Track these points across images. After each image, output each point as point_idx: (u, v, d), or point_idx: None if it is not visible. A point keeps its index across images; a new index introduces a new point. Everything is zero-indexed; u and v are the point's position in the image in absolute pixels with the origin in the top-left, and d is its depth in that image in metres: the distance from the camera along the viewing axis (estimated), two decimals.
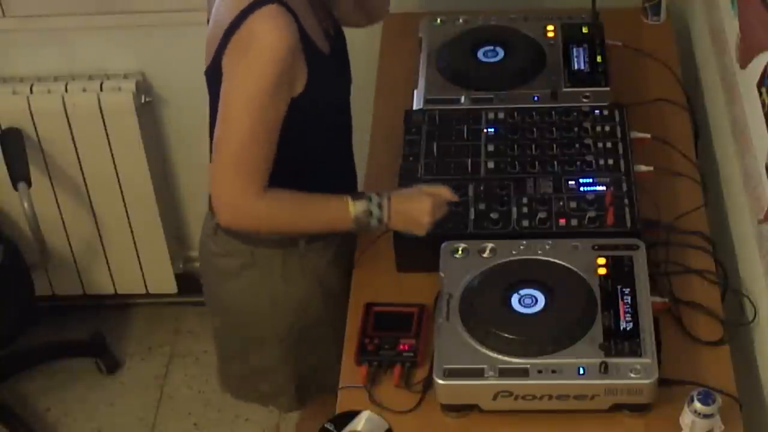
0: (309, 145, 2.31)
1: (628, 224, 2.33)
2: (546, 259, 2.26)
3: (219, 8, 2.20)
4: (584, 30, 2.80)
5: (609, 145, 2.50)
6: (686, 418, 2.02)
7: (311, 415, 2.74)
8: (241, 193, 2.21)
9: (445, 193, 2.34)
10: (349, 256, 2.48)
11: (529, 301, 2.17)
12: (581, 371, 2.05)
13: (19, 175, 3.19)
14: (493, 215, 2.36)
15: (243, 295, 2.47)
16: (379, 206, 2.29)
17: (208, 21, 2.31)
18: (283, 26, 2.12)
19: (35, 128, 3.29)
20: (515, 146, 2.52)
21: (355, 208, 2.28)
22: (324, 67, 2.25)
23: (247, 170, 2.19)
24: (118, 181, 3.39)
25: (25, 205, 3.18)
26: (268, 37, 2.11)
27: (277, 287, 2.44)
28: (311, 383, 2.59)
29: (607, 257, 2.24)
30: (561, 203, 2.38)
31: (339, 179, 2.45)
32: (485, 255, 2.28)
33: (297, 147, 2.27)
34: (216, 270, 2.49)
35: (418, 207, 2.31)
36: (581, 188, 2.41)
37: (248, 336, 2.53)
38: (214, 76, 2.21)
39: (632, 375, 2.03)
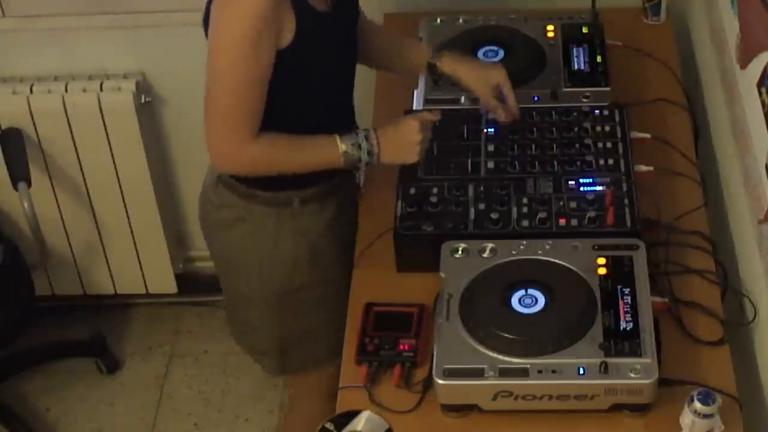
0: (300, 100, 2.33)
1: (628, 224, 2.33)
2: (546, 259, 2.26)
3: None
4: (584, 30, 2.80)
5: (609, 145, 2.50)
6: (686, 418, 2.02)
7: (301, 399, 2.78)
8: (233, 141, 2.28)
9: (426, 115, 2.40)
10: (345, 226, 2.51)
11: (529, 301, 2.17)
12: (581, 371, 2.05)
13: (19, 175, 3.19)
14: (493, 215, 2.36)
15: (233, 248, 2.51)
16: (366, 137, 2.34)
17: None
18: None
19: (35, 128, 3.29)
20: (515, 146, 2.52)
21: (342, 141, 2.33)
22: (316, 23, 2.27)
23: (236, 119, 2.26)
24: (118, 181, 3.39)
25: (25, 205, 3.18)
26: None
27: (266, 246, 2.46)
28: (293, 350, 2.61)
29: (607, 257, 2.24)
30: (561, 203, 2.38)
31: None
32: (485, 255, 2.28)
33: (286, 100, 2.29)
34: (211, 220, 2.54)
35: (404, 129, 2.36)
36: (581, 188, 2.41)
37: (238, 290, 2.57)
38: (205, 29, 2.28)
39: (632, 375, 2.03)
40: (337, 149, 2.33)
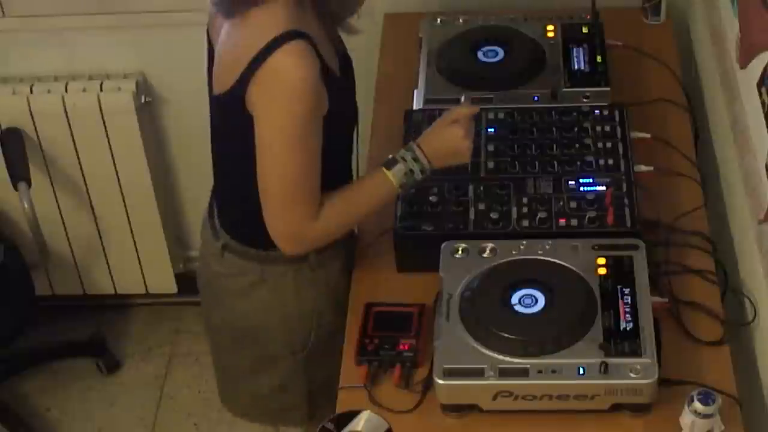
0: (327, 159, 2.28)
1: (628, 224, 2.33)
2: (546, 259, 2.26)
3: (235, 35, 2.20)
4: (584, 30, 2.80)
5: (609, 145, 2.50)
6: (686, 418, 2.01)
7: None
8: (301, 223, 2.25)
9: (464, 111, 2.33)
10: (352, 262, 2.48)
11: (529, 301, 2.17)
12: (581, 371, 2.05)
13: (19, 175, 3.19)
14: (493, 215, 2.36)
15: (254, 314, 2.46)
16: (415, 159, 2.29)
17: (207, 29, 2.33)
18: (307, 60, 2.13)
19: (35, 128, 3.29)
20: (515, 146, 2.52)
21: (395, 176, 2.29)
22: (339, 89, 2.27)
23: (302, 201, 2.23)
24: (118, 181, 3.39)
25: (25, 205, 3.18)
26: (296, 74, 2.12)
27: (289, 303, 2.43)
28: (322, 395, 2.56)
29: (607, 257, 2.24)
30: (561, 203, 2.38)
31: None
32: (485, 255, 2.28)
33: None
34: (222, 290, 2.48)
35: (451, 139, 2.31)
36: (581, 188, 2.41)
37: (259, 354, 2.51)
38: (232, 102, 2.20)
39: (632, 375, 2.03)
40: (392, 184, 2.29)
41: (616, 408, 2.08)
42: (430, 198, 2.42)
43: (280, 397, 2.58)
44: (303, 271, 2.41)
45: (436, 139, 2.32)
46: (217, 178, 2.44)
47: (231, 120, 2.25)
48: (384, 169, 2.30)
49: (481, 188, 2.43)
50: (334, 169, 2.33)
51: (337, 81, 2.26)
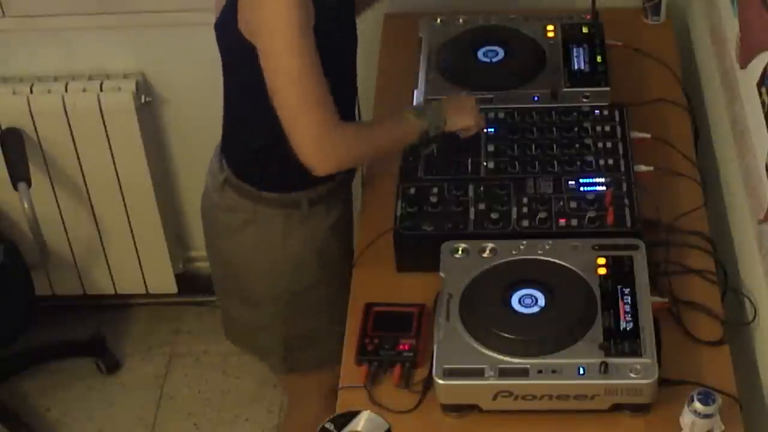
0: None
1: (628, 224, 2.33)
2: (546, 259, 2.26)
3: None
4: (584, 30, 2.80)
5: (609, 145, 2.50)
6: (686, 418, 2.02)
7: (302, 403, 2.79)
8: (323, 127, 2.24)
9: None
10: (347, 224, 2.53)
11: (529, 301, 2.17)
12: (581, 371, 2.05)
13: (19, 175, 3.19)
14: (493, 215, 2.36)
15: (242, 252, 2.52)
16: (436, 113, 2.40)
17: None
18: None
19: (35, 128, 3.29)
20: (515, 146, 2.52)
21: (418, 119, 2.38)
22: (330, 16, 2.28)
23: (318, 103, 2.22)
24: (118, 181, 3.39)
25: (25, 205, 3.18)
26: None
27: (275, 248, 2.48)
28: (300, 349, 2.62)
29: (607, 257, 2.24)
30: (561, 203, 2.38)
31: None
32: (485, 255, 2.28)
33: None
34: (219, 224, 2.54)
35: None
36: (581, 188, 2.41)
37: (245, 293, 2.58)
38: (226, 26, 2.26)
39: (632, 375, 2.03)
40: (414, 126, 2.36)
41: (616, 408, 2.08)
42: (430, 198, 2.42)
43: (260, 336, 2.64)
44: (293, 219, 2.45)
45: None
46: (224, 112, 2.47)
47: (225, 48, 2.29)
48: (408, 111, 2.39)
49: (481, 188, 2.43)
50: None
51: (329, 8, 2.27)
